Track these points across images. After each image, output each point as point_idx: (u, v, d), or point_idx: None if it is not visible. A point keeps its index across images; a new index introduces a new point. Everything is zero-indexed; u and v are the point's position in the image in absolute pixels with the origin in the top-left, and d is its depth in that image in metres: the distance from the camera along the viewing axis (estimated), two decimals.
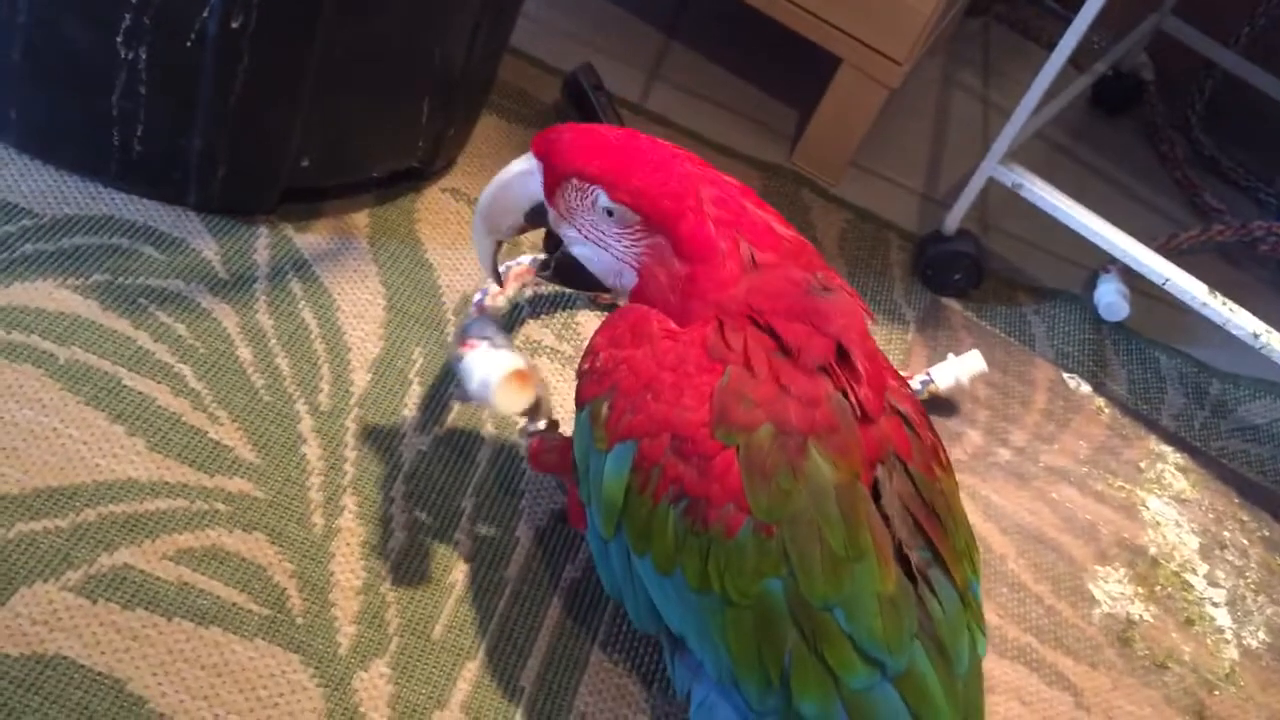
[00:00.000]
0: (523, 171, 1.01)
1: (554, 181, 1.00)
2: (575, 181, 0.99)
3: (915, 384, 1.48)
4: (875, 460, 0.94)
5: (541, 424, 1.13)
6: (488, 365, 1.07)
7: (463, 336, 1.12)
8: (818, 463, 0.90)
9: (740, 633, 0.91)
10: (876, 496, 0.93)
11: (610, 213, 0.99)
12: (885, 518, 0.92)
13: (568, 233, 1.02)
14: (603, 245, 1.01)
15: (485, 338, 1.14)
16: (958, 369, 1.50)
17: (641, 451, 0.93)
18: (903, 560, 0.92)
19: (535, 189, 1.01)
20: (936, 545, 0.94)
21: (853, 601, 0.89)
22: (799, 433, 0.91)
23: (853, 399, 0.94)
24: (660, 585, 0.95)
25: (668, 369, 0.94)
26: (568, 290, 1.38)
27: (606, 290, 1.05)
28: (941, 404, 1.53)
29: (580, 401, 1.00)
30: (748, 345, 0.94)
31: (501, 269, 1.30)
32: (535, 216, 1.04)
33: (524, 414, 1.11)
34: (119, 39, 1.14)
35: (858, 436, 0.93)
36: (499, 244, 1.08)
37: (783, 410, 0.92)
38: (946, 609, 0.93)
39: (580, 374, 1.00)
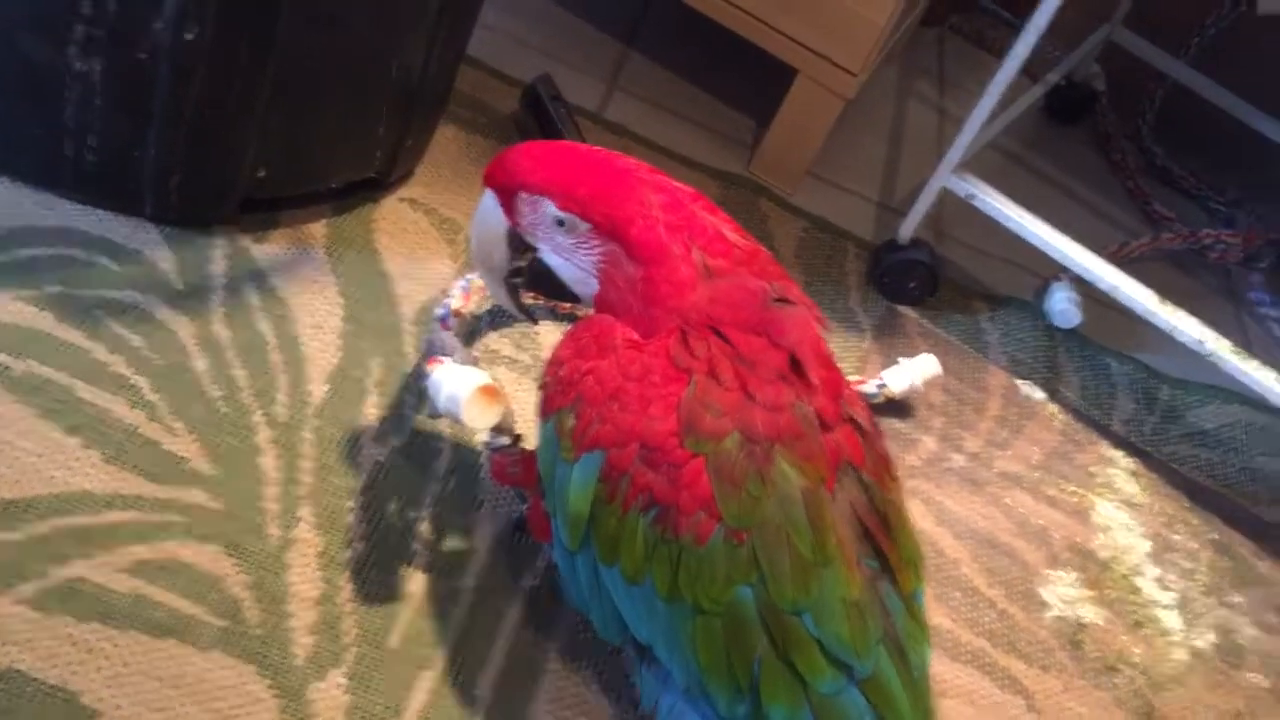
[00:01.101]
0: (487, 205, 1.04)
1: (507, 201, 1.02)
2: (524, 195, 1.01)
3: (870, 388, 1.50)
4: (835, 467, 0.95)
5: (505, 439, 1.13)
6: (455, 381, 1.07)
7: (427, 352, 1.13)
8: (784, 470, 0.92)
9: (710, 641, 0.92)
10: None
11: (561, 222, 1.00)
12: (840, 525, 0.94)
13: (542, 248, 1.04)
14: (563, 254, 1.02)
15: (449, 354, 1.15)
16: (912, 372, 1.52)
17: (609, 461, 0.94)
18: None
19: (499, 217, 1.03)
20: (885, 554, 0.95)
21: (821, 607, 0.90)
22: (766, 440, 0.92)
23: (811, 406, 0.95)
24: (629, 595, 0.95)
25: (633, 379, 0.95)
26: (531, 304, 1.36)
27: (577, 299, 1.06)
28: (896, 409, 1.55)
29: (545, 413, 1.00)
30: (712, 354, 0.95)
31: (463, 283, 1.31)
32: (516, 243, 1.05)
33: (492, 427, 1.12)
34: (72, 50, 1.13)
35: (821, 443, 0.94)
36: (508, 280, 1.08)
37: (749, 418, 0.93)
38: (896, 619, 0.94)
39: (544, 385, 1.01)
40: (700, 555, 0.91)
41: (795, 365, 0.96)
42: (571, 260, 1.02)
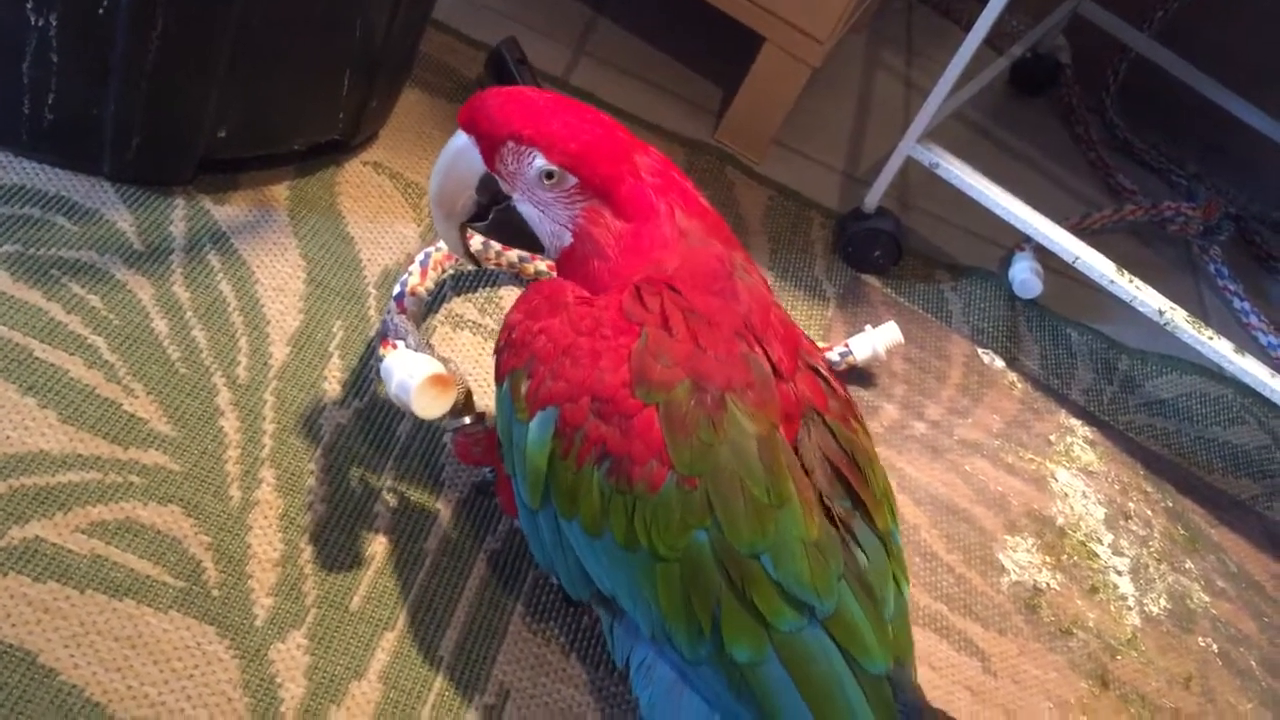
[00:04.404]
0: (459, 148, 1.01)
1: (490, 148, 1.00)
2: (511, 145, 0.99)
3: (834, 356, 1.51)
4: (794, 415, 0.97)
5: (466, 419, 1.13)
6: (405, 369, 1.05)
7: (383, 334, 1.11)
8: (736, 416, 0.93)
9: (669, 586, 0.92)
10: (797, 451, 0.96)
11: (549, 175, 0.99)
12: (807, 470, 0.95)
13: (516, 196, 1.03)
14: (540, 206, 1.02)
15: (402, 338, 1.13)
16: (875, 340, 1.53)
17: (563, 417, 0.94)
18: (825, 511, 0.95)
19: (476, 161, 1.01)
20: (858, 493, 0.97)
21: (778, 548, 0.91)
22: (717, 388, 0.93)
23: (765, 358, 0.97)
24: (590, 547, 0.96)
25: (584, 334, 0.96)
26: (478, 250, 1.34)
27: (540, 250, 1.06)
28: (859, 377, 1.56)
29: (499, 376, 1.01)
30: (665, 307, 0.96)
31: (422, 257, 1.30)
32: (485, 189, 1.04)
33: (448, 413, 1.10)
34: (29, 5, 1.11)
35: (774, 391, 0.96)
36: (463, 226, 1.07)
37: (700, 367, 0.94)
38: (870, 557, 0.95)
39: (498, 349, 1.01)
40: (654, 503, 0.91)
41: (749, 327, 0.98)
42: (547, 213, 1.02)
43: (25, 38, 1.14)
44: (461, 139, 1.01)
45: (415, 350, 1.10)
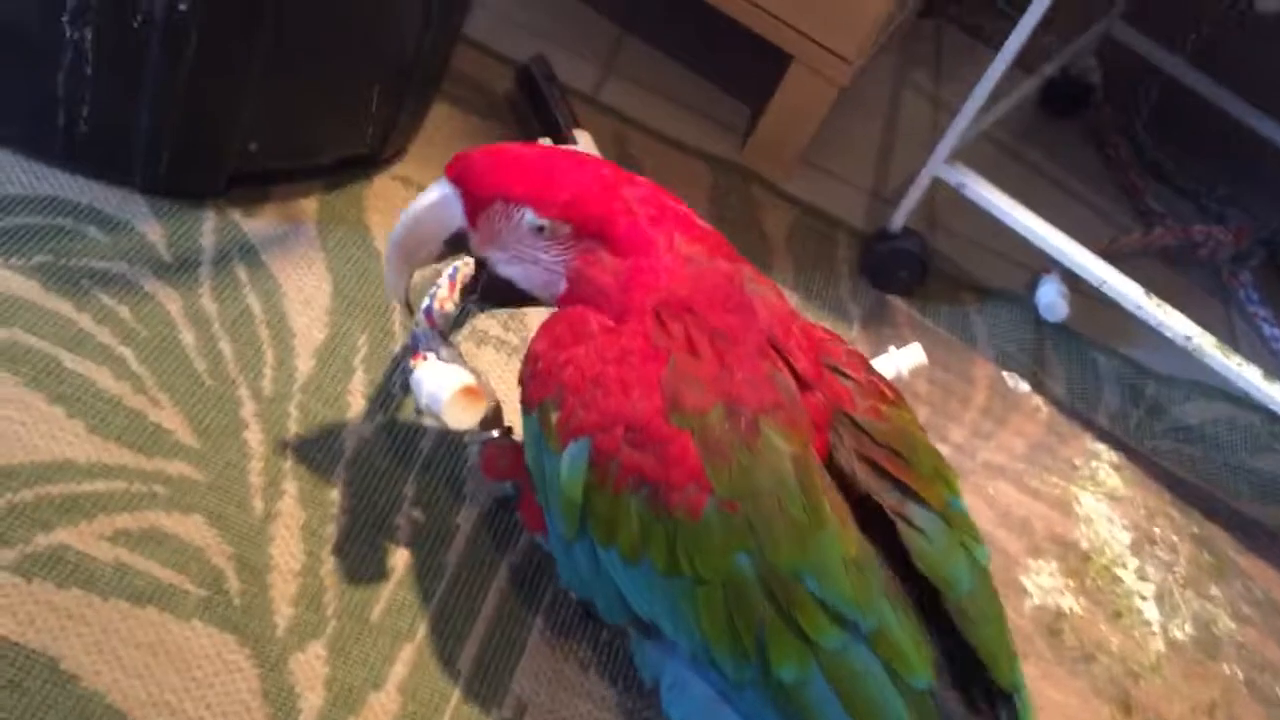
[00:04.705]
0: (439, 200, 1.01)
1: (477, 206, 1.00)
2: (500, 205, 1.00)
3: None
4: (824, 424, 0.97)
5: (494, 432, 1.13)
6: (436, 380, 1.05)
7: (412, 347, 1.12)
8: (770, 437, 0.93)
9: (712, 610, 0.92)
10: (832, 461, 0.96)
11: (541, 229, 1.00)
12: (846, 477, 0.95)
13: (494, 255, 1.03)
14: (532, 261, 1.02)
15: (432, 350, 1.14)
16: (898, 361, 1.52)
17: (597, 446, 0.94)
18: (875, 508, 0.95)
19: (454, 216, 1.01)
20: (903, 480, 0.96)
21: (820, 567, 0.91)
22: (749, 411, 0.93)
23: (789, 372, 0.97)
24: (629, 575, 0.96)
25: (612, 362, 0.96)
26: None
27: (538, 304, 1.07)
28: None
29: (527, 406, 1.01)
30: (689, 332, 0.96)
31: (450, 271, 1.30)
32: (455, 243, 1.04)
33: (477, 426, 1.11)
34: (65, 18, 1.13)
35: (802, 408, 0.96)
36: (411, 273, 1.08)
37: (730, 390, 0.94)
38: (932, 538, 0.95)
39: (523, 379, 1.01)
40: (695, 529, 0.91)
41: (772, 341, 0.98)
42: (538, 264, 1.02)
43: (60, 50, 1.15)
44: (444, 190, 1.01)
45: (447, 362, 1.10)
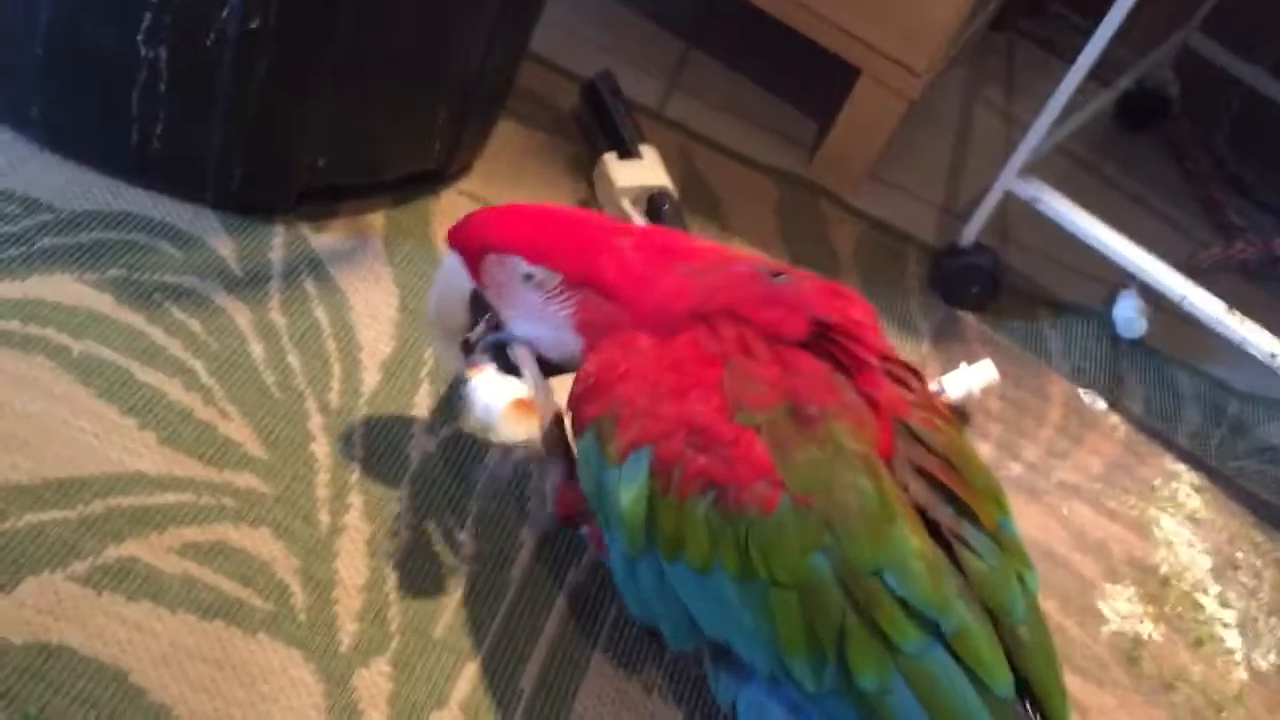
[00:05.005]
0: (446, 266, 1.06)
1: (475, 263, 1.03)
2: (493, 256, 1.02)
3: None
4: (887, 429, 0.95)
5: (559, 472, 1.10)
6: (491, 391, 1.05)
7: (469, 358, 1.11)
8: (838, 435, 0.91)
9: (787, 615, 0.90)
10: (892, 468, 0.93)
11: (529, 276, 1.01)
12: (904, 487, 0.93)
13: (507, 313, 1.05)
14: (538, 318, 1.03)
15: (487, 360, 1.13)
16: (970, 379, 1.50)
17: (658, 455, 0.92)
18: (930, 525, 0.92)
19: (464, 278, 1.05)
20: (958, 494, 0.94)
21: (899, 563, 0.88)
22: (815, 407, 0.92)
23: (846, 373, 0.96)
24: (699, 588, 0.93)
25: (668, 370, 0.95)
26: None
27: (566, 370, 1.06)
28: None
29: (580, 427, 0.99)
30: (741, 334, 0.95)
31: None
32: (478, 306, 1.07)
33: (538, 456, 1.09)
34: (140, 38, 1.15)
35: (865, 412, 0.94)
36: (457, 343, 1.10)
37: (794, 387, 0.93)
38: (987, 560, 0.92)
39: (575, 400, 1.00)
40: (769, 525, 0.89)
41: (820, 328, 0.96)
42: (545, 321, 1.03)
43: (136, 69, 1.17)
44: (449, 256, 1.05)
45: (504, 374, 1.09)
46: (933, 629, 0.88)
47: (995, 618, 0.91)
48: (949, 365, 1.58)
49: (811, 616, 0.89)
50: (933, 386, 1.49)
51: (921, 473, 0.94)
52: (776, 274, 1.00)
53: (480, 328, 1.16)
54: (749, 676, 0.96)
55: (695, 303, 0.98)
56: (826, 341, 0.97)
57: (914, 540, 0.89)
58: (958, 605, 0.89)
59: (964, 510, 0.94)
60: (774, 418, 0.91)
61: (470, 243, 1.03)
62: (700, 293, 0.98)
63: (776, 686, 0.94)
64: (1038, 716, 0.92)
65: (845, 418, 0.92)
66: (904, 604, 0.88)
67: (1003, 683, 0.88)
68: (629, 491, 0.94)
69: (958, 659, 0.88)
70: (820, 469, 0.90)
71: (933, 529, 0.92)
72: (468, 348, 1.10)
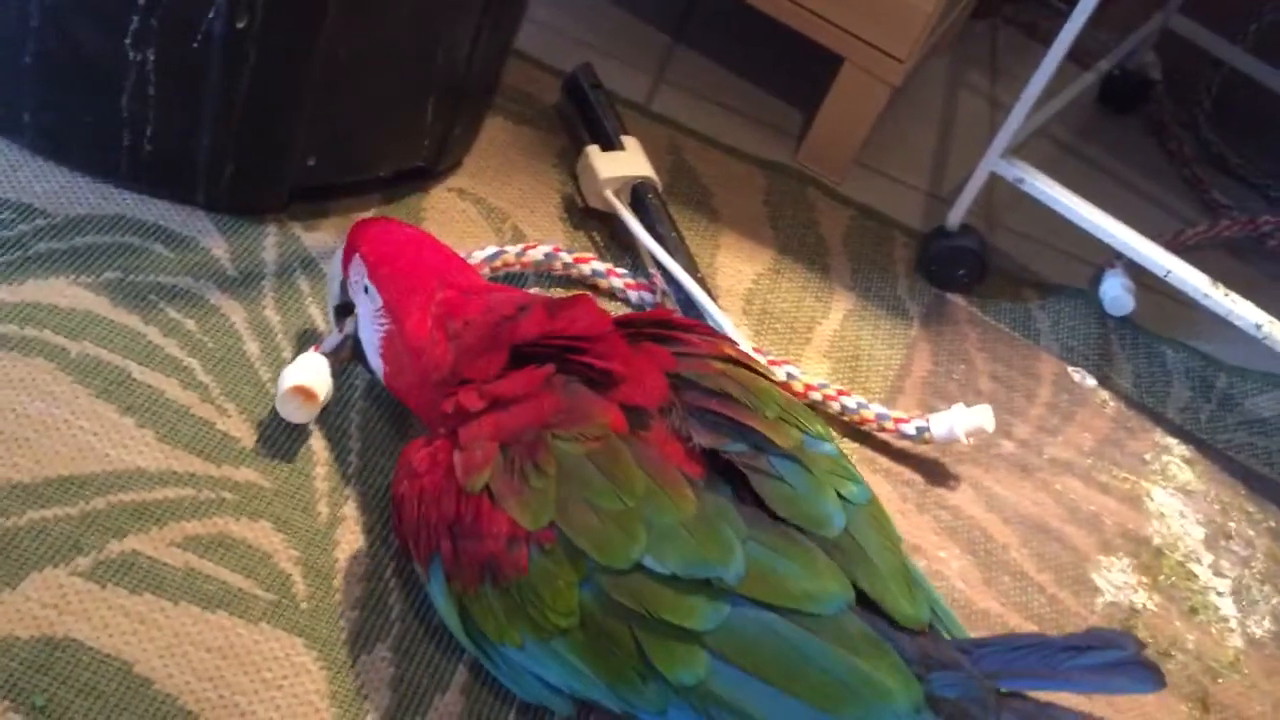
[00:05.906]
0: (338, 253, 1.14)
1: (347, 258, 1.11)
2: (356, 257, 1.09)
3: (910, 429, 1.42)
4: (637, 404, 0.95)
5: None
6: (290, 371, 1.14)
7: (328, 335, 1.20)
8: (559, 446, 0.92)
9: (591, 655, 0.91)
10: (656, 427, 0.94)
11: (367, 289, 1.09)
12: (681, 438, 0.94)
13: (357, 310, 1.13)
14: (367, 326, 1.11)
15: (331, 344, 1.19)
16: (957, 421, 1.41)
17: (443, 559, 0.96)
18: (724, 465, 0.93)
19: (340, 267, 1.14)
20: (746, 426, 0.95)
21: (654, 543, 0.88)
22: (531, 431, 0.94)
23: (574, 372, 0.98)
24: (525, 660, 0.95)
25: (423, 475, 0.98)
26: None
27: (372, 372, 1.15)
28: (944, 396, 1.54)
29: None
30: (461, 401, 0.99)
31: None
32: (343, 290, 1.15)
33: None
34: (127, 41, 1.16)
35: (592, 398, 0.95)
36: (338, 308, 1.18)
37: (507, 424, 0.95)
38: (792, 481, 0.93)
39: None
40: (531, 584, 0.91)
41: (536, 349, 1.00)
42: (368, 332, 1.10)
43: (124, 73, 1.19)
44: (340, 243, 1.14)
45: (320, 357, 1.16)
46: (719, 590, 0.87)
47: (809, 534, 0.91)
48: (939, 347, 1.60)
49: (606, 646, 0.90)
50: (918, 423, 1.42)
51: (704, 412, 0.95)
52: (524, 307, 1.03)
53: (344, 322, 1.21)
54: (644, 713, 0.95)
55: (445, 375, 1.03)
56: (552, 349, 0.99)
57: (670, 509, 0.89)
58: (739, 550, 0.88)
59: (761, 441, 0.94)
60: (494, 469, 0.93)
61: (350, 239, 1.12)
62: (452, 360, 1.03)
63: (640, 716, 0.94)
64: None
65: (567, 423, 0.93)
66: (674, 580, 0.87)
67: (826, 599, 0.87)
68: (441, 601, 0.98)
69: (761, 603, 0.87)
70: (546, 494, 0.91)
71: (727, 467, 0.93)
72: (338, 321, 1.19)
